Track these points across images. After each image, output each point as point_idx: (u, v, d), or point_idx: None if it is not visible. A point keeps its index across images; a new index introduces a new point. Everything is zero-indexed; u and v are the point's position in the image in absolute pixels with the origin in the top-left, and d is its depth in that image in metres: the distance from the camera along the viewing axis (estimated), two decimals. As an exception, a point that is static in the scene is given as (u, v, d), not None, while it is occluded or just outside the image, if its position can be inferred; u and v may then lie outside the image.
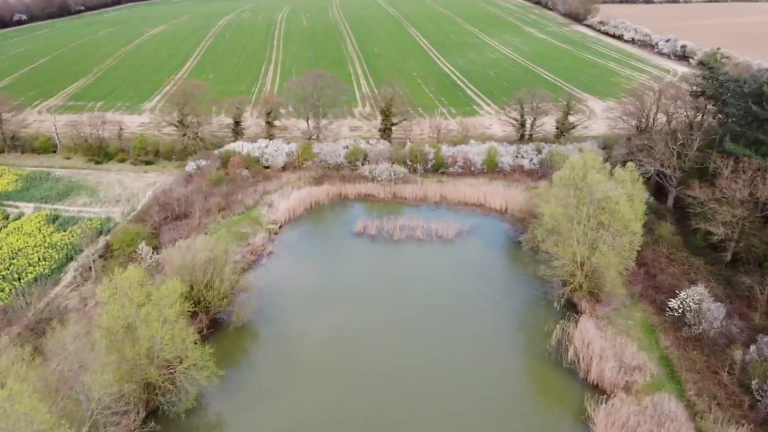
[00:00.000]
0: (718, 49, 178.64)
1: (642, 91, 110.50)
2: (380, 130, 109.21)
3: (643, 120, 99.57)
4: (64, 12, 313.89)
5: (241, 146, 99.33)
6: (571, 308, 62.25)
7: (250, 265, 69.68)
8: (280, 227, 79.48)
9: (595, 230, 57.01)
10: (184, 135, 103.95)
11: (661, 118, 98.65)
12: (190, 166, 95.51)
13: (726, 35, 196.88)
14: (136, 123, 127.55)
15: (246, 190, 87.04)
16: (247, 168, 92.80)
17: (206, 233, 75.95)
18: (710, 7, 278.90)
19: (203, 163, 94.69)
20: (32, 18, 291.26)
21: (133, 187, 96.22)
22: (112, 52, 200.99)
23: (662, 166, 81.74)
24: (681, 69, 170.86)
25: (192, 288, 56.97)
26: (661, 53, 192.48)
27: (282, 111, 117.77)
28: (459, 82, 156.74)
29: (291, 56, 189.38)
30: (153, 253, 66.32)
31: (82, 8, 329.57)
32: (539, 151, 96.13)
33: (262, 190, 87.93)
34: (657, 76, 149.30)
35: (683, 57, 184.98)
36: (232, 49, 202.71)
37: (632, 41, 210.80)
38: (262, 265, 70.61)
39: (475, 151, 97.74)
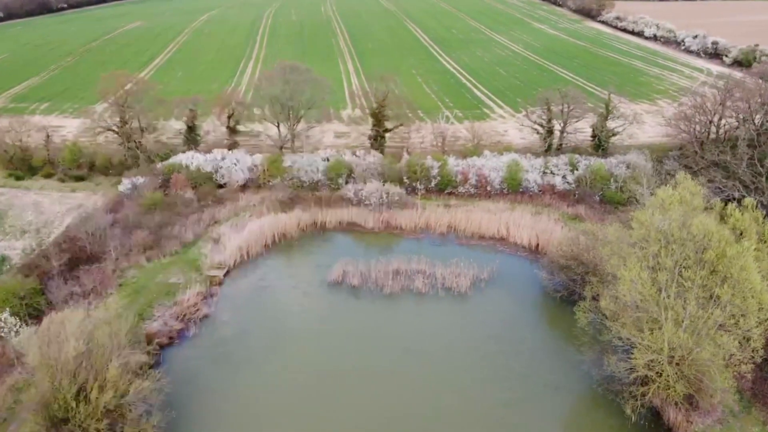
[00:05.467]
0: (756, 45, 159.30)
1: (687, 91, 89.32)
2: (370, 138, 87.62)
3: (704, 127, 78.31)
4: (45, 10, 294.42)
5: (190, 158, 77.56)
6: (652, 415, 40.83)
7: (172, 340, 47.72)
8: (226, 274, 57.67)
9: (704, 307, 35.46)
10: (122, 144, 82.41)
11: (728, 124, 77.67)
12: (125, 184, 73.88)
13: (752, 33, 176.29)
14: (80, 129, 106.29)
15: (187, 218, 65.13)
16: (194, 188, 71.13)
17: (120, 284, 54.39)
18: (729, 5, 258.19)
19: (140, 180, 73.11)
20: (10, 15, 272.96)
21: (50, 213, 74.69)
22: (75, 49, 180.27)
23: (747, 190, 60.37)
24: (714, 68, 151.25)
25: (56, 398, 35.41)
26: (688, 51, 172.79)
27: (256, 112, 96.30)
28: (465, 80, 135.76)
29: (275, 53, 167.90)
30: (21, 326, 44.45)
31: (65, 6, 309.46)
32: (574, 167, 74.48)
33: (209, 218, 66.08)
34: (706, 79, 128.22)
35: (715, 55, 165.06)
36: (209, 45, 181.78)
37: (654, 38, 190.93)
38: (188, 338, 48.58)
39: (491, 165, 76.23)
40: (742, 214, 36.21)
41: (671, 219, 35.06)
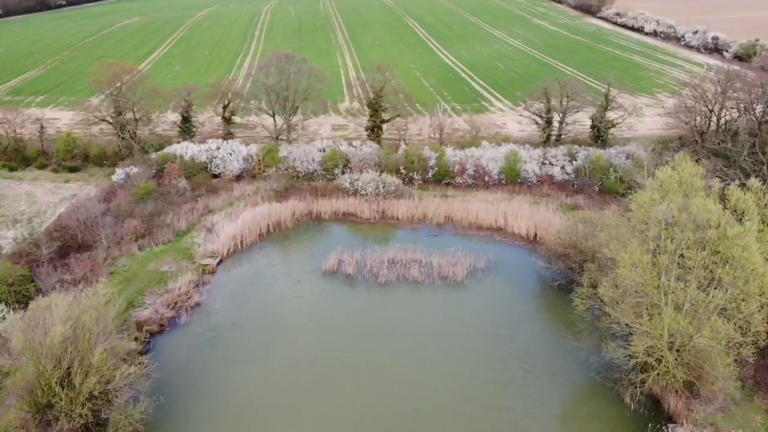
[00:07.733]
0: (757, 40, 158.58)
1: (687, 85, 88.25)
2: (367, 129, 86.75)
3: (704, 117, 77.44)
4: (43, 7, 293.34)
5: (184, 149, 76.65)
6: (652, 403, 39.97)
7: (162, 327, 46.84)
8: (219, 263, 56.80)
9: (704, 290, 34.60)
10: (116, 135, 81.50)
11: (728, 114, 76.80)
12: (118, 174, 72.99)
13: (753, 29, 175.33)
14: (75, 120, 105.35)
15: (180, 208, 64.24)
16: (187, 178, 70.22)
17: (111, 272, 53.52)
18: (729, 1, 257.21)
19: (134, 170, 72.23)
20: (8, 12, 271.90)
21: (43, 202, 73.87)
22: (73, 43, 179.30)
23: (748, 178, 59.38)
24: (714, 62, 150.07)
25: (40, 384, 34.52)
26: (688, 46, 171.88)
27: (253, 104, 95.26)
28: (464, 74, 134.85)
29: (272, 47, 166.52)
30: (8, 312, 43.60)
31: (63, 3, 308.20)
32: (573, 157, 73.66)
33: (202, 207, 65.17)
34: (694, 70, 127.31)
35: (715, 50, 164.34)
36: (206, 40, 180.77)
37: (654, 34, 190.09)
38: (179, 326, 47.73)
39: (490, 156, 75.38)
40: (745, 194, 35.22)
41: (671, 200, 34.17)
